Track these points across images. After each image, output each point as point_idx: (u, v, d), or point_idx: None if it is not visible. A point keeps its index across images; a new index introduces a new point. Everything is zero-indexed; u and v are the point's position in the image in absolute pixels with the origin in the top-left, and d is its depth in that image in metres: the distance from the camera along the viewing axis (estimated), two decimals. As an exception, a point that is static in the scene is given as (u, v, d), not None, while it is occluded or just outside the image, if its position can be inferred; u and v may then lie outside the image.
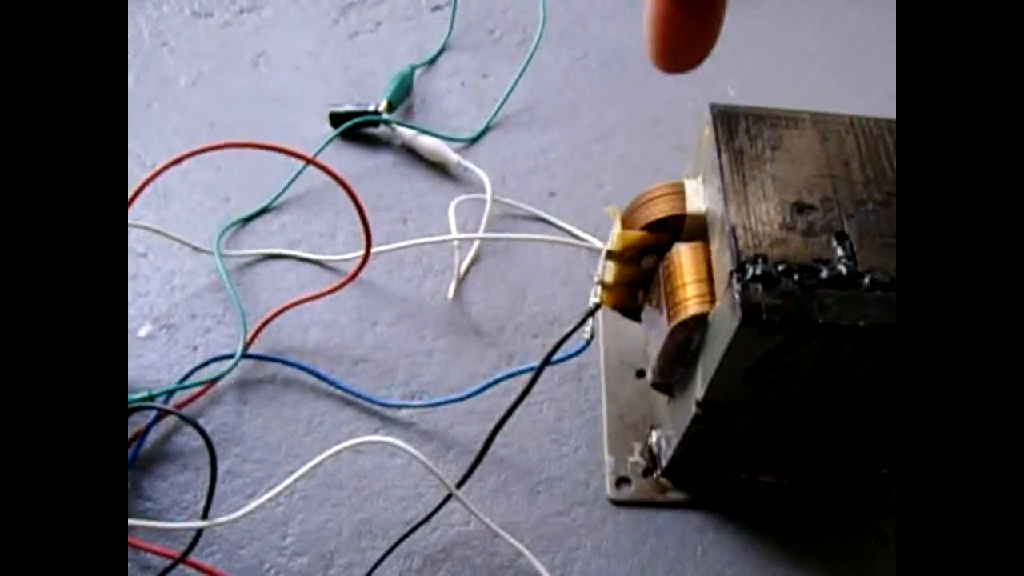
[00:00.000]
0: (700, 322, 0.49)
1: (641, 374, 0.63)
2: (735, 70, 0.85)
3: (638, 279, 0.55)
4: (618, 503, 0.58)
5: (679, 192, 0.52)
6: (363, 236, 0.60)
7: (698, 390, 0.50)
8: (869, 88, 0.83)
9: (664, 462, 0.58)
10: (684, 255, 0.50)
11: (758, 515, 0.58)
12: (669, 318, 0.50)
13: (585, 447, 0.60)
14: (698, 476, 0.58)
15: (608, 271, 0.55)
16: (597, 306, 0.55)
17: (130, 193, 0.53)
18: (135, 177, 0.69)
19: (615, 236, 0.52)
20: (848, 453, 0.57)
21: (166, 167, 0.54)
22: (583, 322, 0.55)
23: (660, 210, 0.52)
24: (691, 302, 0.49)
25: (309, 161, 0.58)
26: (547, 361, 0.54)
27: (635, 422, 0.61)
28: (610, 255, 0.53)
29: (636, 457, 0.59)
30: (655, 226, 0.52)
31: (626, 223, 0.53)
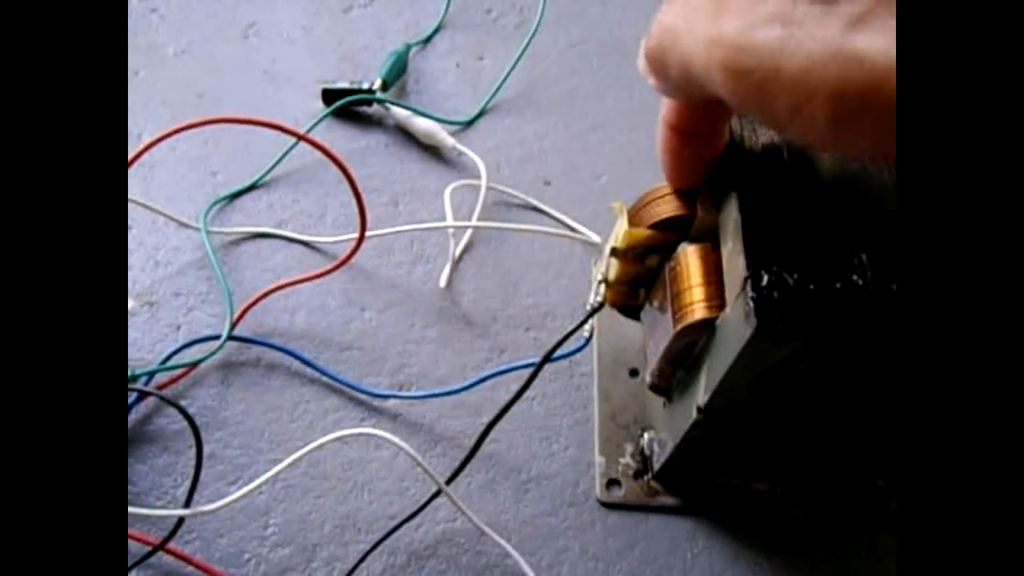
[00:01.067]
0: (706, 327, 0.47)
1: (634, 373, 0.62)
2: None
3: (641, 278, 0.53)
4: (608, 505, 0.57)
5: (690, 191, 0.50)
6: (357, 219, 0.58)
7: (700, 396, 0.48)
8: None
9: (656, 465, 0.57)
10: (692, 256, 0.49)
11: (750, 524, 0.57)
12: (674, 321, 0.49)
13: (575, 446, 0.59)
14: (690, 481, 0.57)
15: (610, 268, 0.53)
16: (601, 304, 0.53)
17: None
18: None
19: (621, 233, 0.51)
20: (845, 464, 0.56)
21: (156, 141, 0.52)
22: (585, 320, 0.53)
23: (669, 209, 0.50)
24: (698, 306, 0.48)
25: (301, 138, 0.56)
26: (547, 358, 0.53)
27: (627, 423, 0.59)
28: (614, 252, 0.52)
29: (627, 459, 0.58)
30: (663, 225, 0.50)
31: (633, 220, 0.51)
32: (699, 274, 0.48)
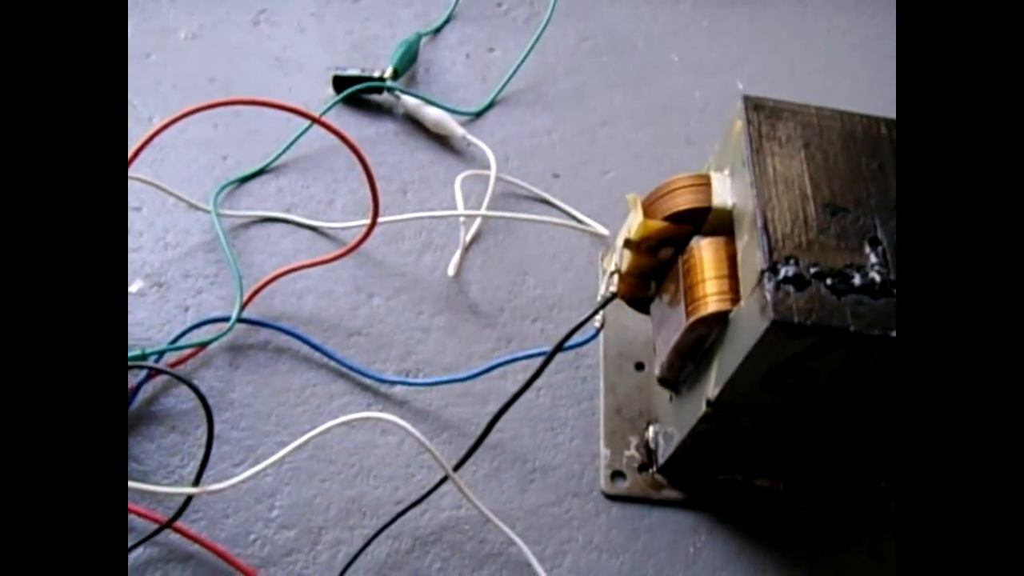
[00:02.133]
0: (719, 320, 0.48)
1: (640, 367, 0.62)
2: (743, 63, 0.84)
3: (652, 270, 0.53)
4: (612, 497, 0.57)
5: (705, 184, 0.50)
6: (366, 205, 0.58)
7: (711, 389, 0.48)
8: (876, 87, 0.83)
9: (661, 459, 0.57)
10: (706, 249, 0.49)
11: (752, 520, 0.57)
12: (687, 313, 0.49)
13: (580, 438, 0.59)
14: (694, 475, 0.57)
15: (623, 260, 0.53)
16: (613, 295, 0.54)
17: (130, 151, 0.51)
18: (131, 129, 0.67)
19: (636, 225, 0.51)
20: (848, 463, 0.56)
21: (168, 124, 0.52)
22: (597, 311, 0.54)
23: (684, 201, 0.50)
24: (711, 299, 0.48)
25: (317, 121, 0.56)
26: (559, 348, 0.53)
27: (632, 416, 0.60)
28: (627, 244, 0.52)
29: (632, 451, 0.58)
30: (678, 217, 0.50)
31: (647, 212, 0.51)
32: (713, 267, 0.49)
